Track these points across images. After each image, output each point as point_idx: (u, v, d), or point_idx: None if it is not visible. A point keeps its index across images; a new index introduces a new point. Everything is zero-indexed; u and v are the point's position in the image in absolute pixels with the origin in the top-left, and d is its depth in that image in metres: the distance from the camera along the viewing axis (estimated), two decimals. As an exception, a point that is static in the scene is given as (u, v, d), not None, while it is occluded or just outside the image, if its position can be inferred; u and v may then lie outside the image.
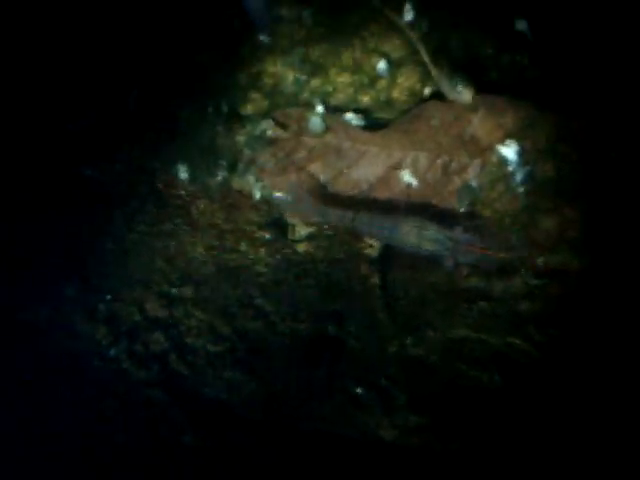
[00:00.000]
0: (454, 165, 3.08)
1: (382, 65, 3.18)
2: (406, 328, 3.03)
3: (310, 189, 3.12)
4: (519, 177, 3.00)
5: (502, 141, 3.01)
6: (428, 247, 2.95)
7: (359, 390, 2.90)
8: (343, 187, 3.18)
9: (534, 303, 3.03)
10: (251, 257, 3.18)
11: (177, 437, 2.80)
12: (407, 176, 3.11)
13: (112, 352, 2.95)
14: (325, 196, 3.13)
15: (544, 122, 3.01)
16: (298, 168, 3.17)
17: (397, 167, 3.12)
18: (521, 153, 2.99)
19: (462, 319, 3.02)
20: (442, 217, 3.03)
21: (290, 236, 3.20)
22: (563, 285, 3.03)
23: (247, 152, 3.22)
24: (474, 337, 3.00)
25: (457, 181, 3.08)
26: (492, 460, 2.81)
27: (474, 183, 3.07)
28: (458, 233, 2.93)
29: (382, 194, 3.14)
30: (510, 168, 3.01)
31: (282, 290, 3.11)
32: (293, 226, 3.21)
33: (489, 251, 2.92)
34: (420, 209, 3.07)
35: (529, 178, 3.00)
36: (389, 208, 3.09)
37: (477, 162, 3.05)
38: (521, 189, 3.02)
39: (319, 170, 3.17)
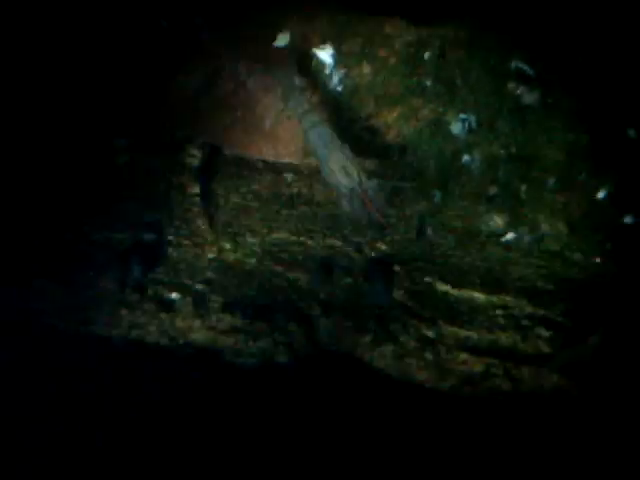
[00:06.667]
0: (274, 72, 3.06)
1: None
2: (225, 234, 2.97)
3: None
4: (336, 80, 3.00)
5: (318, 46, 3.01)
6: (344, 183, 2.75)
7: (174, 295, 2.81)
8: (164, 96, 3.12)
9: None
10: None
11: None
12: (228, 83, 3.08)
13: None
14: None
15: (360, 26, 3.02)
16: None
17: (217, 75, 3.09)
18: (337, 56, 2.99)
19: (283, 224, 2.97)
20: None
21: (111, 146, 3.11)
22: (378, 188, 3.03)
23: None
24: (294, 240, 2.96)
25: (278, 88, 3.05)
26: (305, 359, 2.77)
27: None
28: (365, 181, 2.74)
29: (203, 102, 3.10)
30: (327, 71, 3.01)
31: (99, 200, 3.02)
32: (113, 136, 3.12)
33: (375, 211, 2.80)
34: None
35: (346, 81, 3.00)
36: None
37: (295, 67, 3.03)
38: (339, 92, 3.01)
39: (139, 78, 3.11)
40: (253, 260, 2.90)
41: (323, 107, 3.03)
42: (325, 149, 2.80)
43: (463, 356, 2.65)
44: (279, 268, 2.88)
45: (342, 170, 2.75)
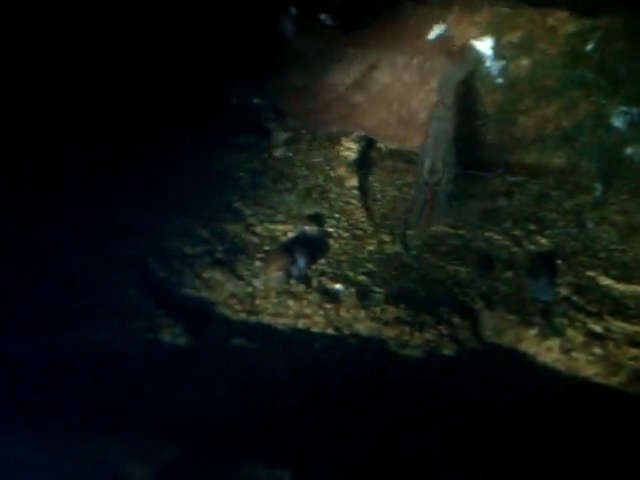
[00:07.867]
0: (429, 65, 3.07)
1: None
2: (384, 227, 3.03)
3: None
4: (495, 72, 2.99)
5: (477, 38, 3.00)
6: (425, 176, 2.79)
7: (338, 286, 2.89)
8: (320, 90, 3.18)
9: (512, 199, 3.03)
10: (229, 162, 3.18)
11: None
12: (384, 77, 3.11)
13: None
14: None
15: (520, 18, 2.99)
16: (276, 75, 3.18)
17: (373, 69, 3.12)
18: (496, 48, 2.98)
19: (440, 217, 3.01)
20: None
21: (269, 141, 3.20)
22: (540, 182, 3.04)
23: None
24: (452, 233, 3.00)
25: (433, 81, 3.07)
26: (470, 352, 2.81)
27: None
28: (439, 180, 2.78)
29: (359, 96, 3.14)
30: (486, 64, 3.00)
31: (260, 194, 3.12)
32: (271, 131, 3.21)
33: (427, 215, 2.83)
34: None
35: (505, 73, 2.99)
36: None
37: (453, 60, 3.04)
38: (498, 84, 3.00)
39: (296, 74, 3.17)
40: (412, 252, 2.95)
41: (479, 99, 3.03)
42: (434, 139, 2.83)
43: (633, 351, 2.64)
44: (438, 261, 2.93)
45: (431, 166, 2.78)
